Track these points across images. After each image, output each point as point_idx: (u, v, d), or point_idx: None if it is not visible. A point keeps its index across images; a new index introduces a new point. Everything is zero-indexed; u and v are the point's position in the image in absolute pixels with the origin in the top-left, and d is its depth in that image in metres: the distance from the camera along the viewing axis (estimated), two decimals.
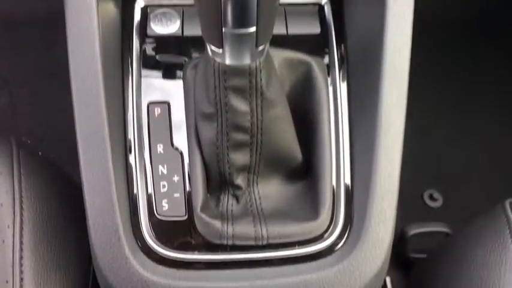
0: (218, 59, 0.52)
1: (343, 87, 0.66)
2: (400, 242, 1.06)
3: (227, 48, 0.50)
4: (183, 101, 0.64)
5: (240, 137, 0.58)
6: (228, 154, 0.59)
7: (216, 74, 0.54)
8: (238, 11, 0.46)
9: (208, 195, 0.62)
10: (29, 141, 1.19)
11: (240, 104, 0.55)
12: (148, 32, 0.68)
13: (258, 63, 0.53)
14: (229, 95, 0.55)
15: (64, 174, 0.73)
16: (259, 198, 0.63)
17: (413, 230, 1.07)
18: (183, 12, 0.70)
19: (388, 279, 1.01)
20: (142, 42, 0.67)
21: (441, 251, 0.81)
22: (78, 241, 0.66)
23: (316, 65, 0.64)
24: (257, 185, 0.63)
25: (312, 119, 0.64)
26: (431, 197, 1.30)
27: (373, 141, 0.59)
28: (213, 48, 0.52)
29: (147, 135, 0.62)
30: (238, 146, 0.59)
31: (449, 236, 1.08)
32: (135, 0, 0.70)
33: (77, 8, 0.60)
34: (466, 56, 1.43)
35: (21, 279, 0.59)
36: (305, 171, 0.64)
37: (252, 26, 0.47)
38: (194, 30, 0.69)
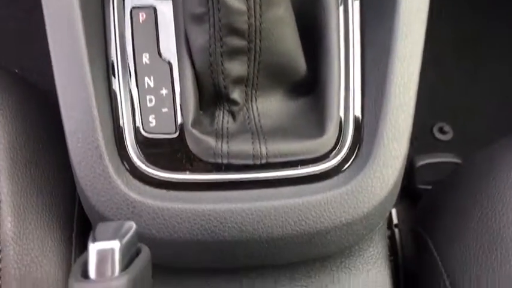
0: None
1: None
2: (407, 173, 1.01)
3: None
4: (171, 4, 0.56)
5: (236, 42, 0.51)
6: (222, 63, 0.52)
7: None
8: None
9: (201, 112, 0.55)
10: (16, 71, 1.11)
11: (234, 1, 0.48)
12: None
13: None
14: None
15: (42, 92, 0.67)
16: (258, 115, 0.56)
17: (422, 161, 1.01)
18: None
19: (393, 211, 0.96)
20: None
21: (450, 181, 0.75)
22: (62, 163, 0.61)
23: None
24: (256, 100, 0.57)
25: (318, 25, 0.56)
26: (441, 130, 1.24)
27: (388, 48, 0.52)
28: None
29: (130, 44, 0.55)
30: (234, 53, 0.51)
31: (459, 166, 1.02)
32: None
33: None
34: None
35: None
36: (309, 86, 0.57)
37: None
38: None
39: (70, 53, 0.51)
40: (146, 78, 0.54)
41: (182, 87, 0.53)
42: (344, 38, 0.56)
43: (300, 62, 0.55)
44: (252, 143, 0.52)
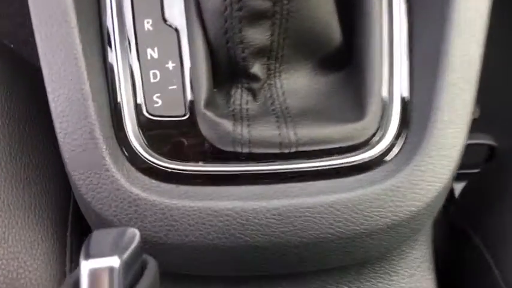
0: None
1: None
2: None
3: None
4: None
5: (258, 2, 0.41)
6: (240, 30, 0.42)
7: None
8: None
9: (215, 90, 0.46)
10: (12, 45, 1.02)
11: None
12: None
13: None
14: None
15: (34, 67, 0.58)
16: (283, 93, 0.47)
17: None
18: None
19: None
20: None
21: (498, 168, 0.66)
22: (54, 151, 0.52)
23: None
24: (280, 75, 0.47)
25: None
26: None
27: (444, 11, 0.42)
28: None
29: (129, 7, 0.45)
30: (256, 17, 0.42)
31: (494, 149, 0.93)
32: None
33: None
34: None
35: None
36: (343, 59, 0.48)
37: None
38: None
39: (54, 15, 0.42)
40: (149, 49, 0.45)
41: (192, 60, 0.44)
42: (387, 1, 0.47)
43: (334, 29, 0.46)
44: (278, 127, 0.43)
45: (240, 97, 0.47)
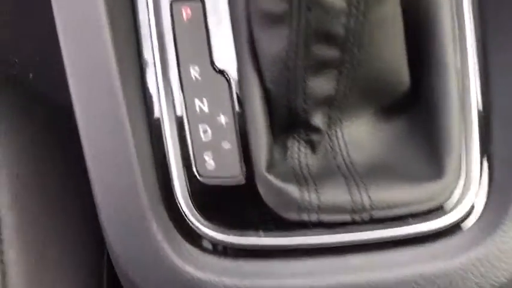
0: None
1: None
2: None
3: None
4: None
5: (327, 51, 0.36)
6: (305, 79, 0.37)
7: None
8: None
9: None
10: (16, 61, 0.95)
11: None
12: None
13: None
14: None
15: (50, 102, 0.52)
16: (345, 145, 0.42)
17: None
18: None
19: None
20: None
21: None
22: (82, 210, 0.47)
23: None
24: (341, 124, 0.42)
25: (423, 19, 0.41)
26: None
27: None
28: None
29: (173, 52, 0.40)
30: (322, 66, 0.37)
31: None
32: None
33: None
34: None
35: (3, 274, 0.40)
36: (407, 101, 0.43)
37: None
38: None
39: (94, 63, 0.36)
40: (197, 100, 0.39)
41: (249, 113, 0.38)
42: (459, 37, 0.42)
43: (403, 74, 0.40)
44: (349, 190, 0.38)
45: (298, 150, 0.41)
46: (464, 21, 0.41)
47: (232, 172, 0.38)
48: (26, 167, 0.46)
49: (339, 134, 0.42)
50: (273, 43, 0.36)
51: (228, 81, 0.39)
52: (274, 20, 0.35)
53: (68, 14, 0.37)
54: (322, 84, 0.38)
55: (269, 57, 0.37)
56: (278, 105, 0.39)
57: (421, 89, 0.42)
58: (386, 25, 0.37)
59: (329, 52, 0.36)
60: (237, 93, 0.39)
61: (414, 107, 0.43)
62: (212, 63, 0.40)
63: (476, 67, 0.42)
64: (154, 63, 0.40)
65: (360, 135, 0.43)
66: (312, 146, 0.42)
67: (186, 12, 0.41)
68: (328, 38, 0.35)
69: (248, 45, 0.38)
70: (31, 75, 0.66)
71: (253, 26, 0.38)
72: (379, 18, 0.35)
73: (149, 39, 0.40)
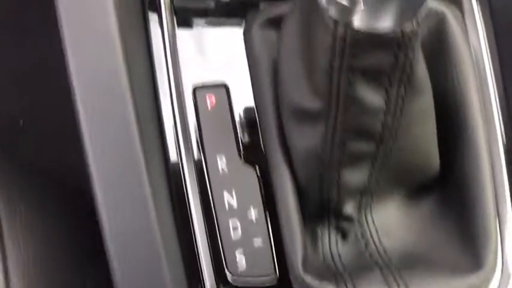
0: (345, 19, 0.29)
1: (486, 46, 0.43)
2: None
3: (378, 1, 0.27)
4: (250, 82, 0.40)
5: (362, 146, 0.35)
6: (339, 172, 0.36)
7: (338, 46, 0.30)
8: None
9: None
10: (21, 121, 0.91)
11: (372, 96, 0.32)
12: None
13: (415, 26, 0.29)
14: (357, 81, 0.31)
15: (70, 194, 0.49)
16: (376, 231, 0.41)
17: None
18: None
19: None
20: None
21: None
22: None
23: (453, 18, 0.41)
24: (371, 209, 0.41)
25: (452, 102, 0.41)
26: None
27: None
28: (339, 2, 0.28)
29: (198, 142, 0.38)
30: (356, 159, 0.36)
31: None
32: None
33: None
34: None
35: None
36: (436, 182, 0.42)
37: None
38: None
39: (122, 159, 0.35)
40: (226, 194, 0.38)
41: (282, 209, 0.37)
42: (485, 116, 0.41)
43: (434, 158, 0.40)
44: (386, 283, 0.36)
45: (329, 238, 0.40)
46: (491, 106, 0.41)
47: (264, 271, 0.37)
48: (44, 249, 0.43)
49: (369, 219, 0.41)
50: (307, 139, 0.35)
51: (257, 173, 0.38)
52: (308, 116, 0.34)
53: (92, 108, 0.35)
54: (355, 176, 0.37)
55: (302, 151, 0.36)
56: (310, 197, 0.38)
57: (451, 171, 0.41)
58: (422, 117, 0.36)
59: (365, 147, 0.35)
60: (267, 185, 0.38)
61: (443, 188, 0.42)
62: (239, 153, 0.39)
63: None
64: (180, 154, 0.38)
65: (390, 219, 0.42)
66: (343, 234, 0.40)
67: (210, 100, 0.39)
68: (364, 134, 0.34)
69: (278, 138, 0.37)
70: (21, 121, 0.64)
71: (283, 119, 0.37)
72: (415, 111, 0.35)
73: (173, 130, 0.38)
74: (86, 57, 0.35)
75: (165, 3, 0.41)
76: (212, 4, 0.43)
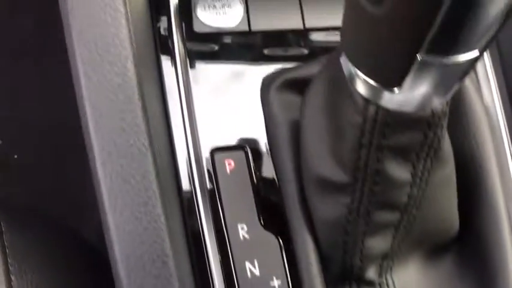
0: (378, 101, 0.28)
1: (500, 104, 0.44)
2: None
3: (411, 86, 0.26)
4: (268, 144, 0.40)
5: (387, 216, 0.35)
6: (363, 241, 0.36)
7: (369, 125, 0.29)
8: (468, 23, 0.22)
9: None
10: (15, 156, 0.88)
11: (399, 171, 0.32)
12: (196, 26, 0.42)
13: (444, 107, 0.29)
14: (386, 157, 0.31)
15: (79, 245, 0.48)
16: None
17: None
18: None
19: None
20: (186, 42, 0.41)
21: None
22: None
23: (468, 79, 0.41)
24: (391, 271, 0.41)
25: (468, 162, 0.41)
26: None
27: None
28: (372, 82, 0.27)
29: (218, 210, 0.38)
30: (380, 227, 0.36)
31: None
32: None
33: None
34: None
35: None
36: (454, 242, 0.42)
37: (473, 48, 0.24)
38: (269, 20, 0.43)
39: (142, 224, 0.34)
40: (247, 263, 0.37)
41: (306, 279, 0.36)
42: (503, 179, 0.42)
43: (454, 221, 0.40)
44: None
45: None
46: (508, 163, 0.42)
47: None
48: None
49: (390, 282, 0.41)
50: (330, 208, 0.35)
51: (279, 240, 0.38)
52: (332, 187, 0.34)
53: (112, 170, 0.34)
54: (379, 243, 0.37)
55: (326, 221, 0.36)
56: (332, 263, 0.38)
57: (469, 232, 0.41)
58: (445, 185, 0.36)
59: (389, 216, 0.35)
60: (288, 252, 0.37)
61: (461, 248, 0.42)
62: (260, 221, 0.38)
63: None
64: (201, 222, 0.37)
65: (410, 281, 0.41)
66: None
67: (228, 163, 0.39)
68: (390, 205, 0.34)
69: (300, 207, 0.37)
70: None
71: (305, 187, 0.36)
72: (439, 181, 0.35)
73: (193, 196, 0.38)
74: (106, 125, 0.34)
75: (181, 62, 0.40)
76: (216, 48, 0.43)
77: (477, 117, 0.39)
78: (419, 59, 0.24)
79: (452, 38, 0.23)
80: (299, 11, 0.44)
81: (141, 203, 0.34)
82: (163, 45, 0.41)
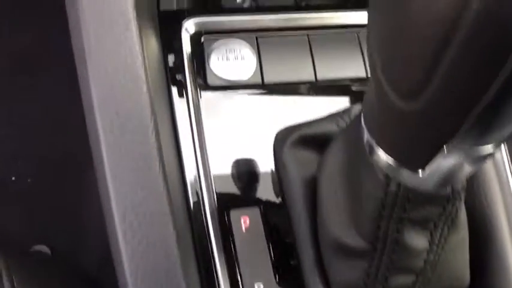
0: (399, 178, 0.29)
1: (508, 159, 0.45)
2: None
3: (434, 170, 0.27)
4: (282, 200, 0.40)
5: (404, 279, 0.35)
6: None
7: (390, 200, 0.30)
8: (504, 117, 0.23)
9: None
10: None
11: (418, 240, 0.33)
12: (209, 79, 0.42)
13: (464, 183, 0.30)
14: (405, 228, 0.32)
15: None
16: None
17: None
18: (257, 42, 0.44)
19: None
20: (199, 95, 0.42)
21: None
22: None
23: None
24: None
25: (478, 218, 0.42)
26: None
27: None
28: (393, 164, 0.28)
29: (236, 271, 0.38)
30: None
31: None
32: (180, 25, 0.43)
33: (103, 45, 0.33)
34: None
35: None
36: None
37: (503, 141, 0.25)
38: (281, 73, 0.43)
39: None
40: None
41: None
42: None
43: (466, 277, 0.41)
44: None
45: None
46: None
47: None
48: None
49: None
50: (348, 272, 0.36)
51: None
52: (350, 252, 0.35)
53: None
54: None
55: (342, 283, 0.36)
56: None
57: (480, 285, 0.42)
58: (459, 247, 0.37)
59: (405, 279, 0.36)
60: None
61: None
62: (276, 278, 0.38)
63: None
64: (217, 279, 0.38)
65: None
66: None
67: (244, 221, 0.39)
68: (407, 270, 0.35)
69: (316, 267, 0.37)
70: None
71: (323, 250, 0.37)
72: (454, 245, 0.36)
73: (210, 254, 0.38)
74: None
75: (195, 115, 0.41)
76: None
77: (487, 178, 0.40)
78: (445, 150, 0.25)
79: (484, 130, 0.24)
80: (311, 63, 0.44)
81: (163, 270, 0.34)
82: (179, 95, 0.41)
